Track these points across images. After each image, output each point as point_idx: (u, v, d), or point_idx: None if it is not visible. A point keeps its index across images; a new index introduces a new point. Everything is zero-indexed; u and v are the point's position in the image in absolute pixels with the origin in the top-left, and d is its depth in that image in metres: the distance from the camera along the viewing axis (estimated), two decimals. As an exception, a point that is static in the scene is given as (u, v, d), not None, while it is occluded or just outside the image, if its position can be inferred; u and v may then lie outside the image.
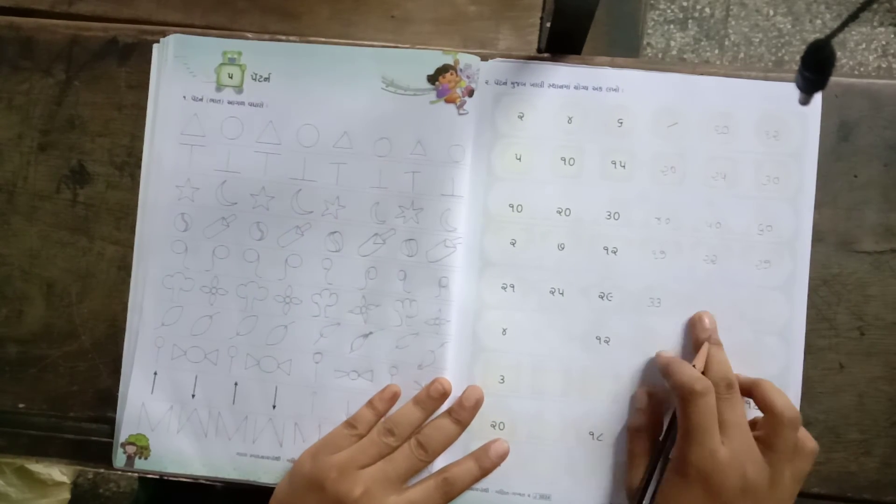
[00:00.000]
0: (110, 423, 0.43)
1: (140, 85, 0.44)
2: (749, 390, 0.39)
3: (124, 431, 0.42)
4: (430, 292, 0.42)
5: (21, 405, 0.44)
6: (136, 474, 0.43)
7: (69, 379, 0.44)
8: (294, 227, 0.43)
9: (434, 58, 0.42)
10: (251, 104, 0.43)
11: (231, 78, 0.43)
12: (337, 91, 0.43)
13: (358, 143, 0.43)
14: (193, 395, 0.43)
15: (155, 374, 0.43)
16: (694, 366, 0.38)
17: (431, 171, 0.42)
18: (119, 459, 0.42)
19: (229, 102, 0.43)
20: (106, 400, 0.43)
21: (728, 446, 0.35)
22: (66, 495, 1.01)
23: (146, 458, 0.42)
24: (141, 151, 0.44)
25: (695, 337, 0.40)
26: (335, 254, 0.42)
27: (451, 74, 0.42)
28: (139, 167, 0.44)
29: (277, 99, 0.43)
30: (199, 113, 0.43)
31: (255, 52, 0.43)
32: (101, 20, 0.48)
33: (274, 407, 0.42)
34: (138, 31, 0.44)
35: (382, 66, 0.43)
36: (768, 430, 0.37)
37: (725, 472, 0.35)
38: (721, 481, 0.35)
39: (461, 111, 0.42)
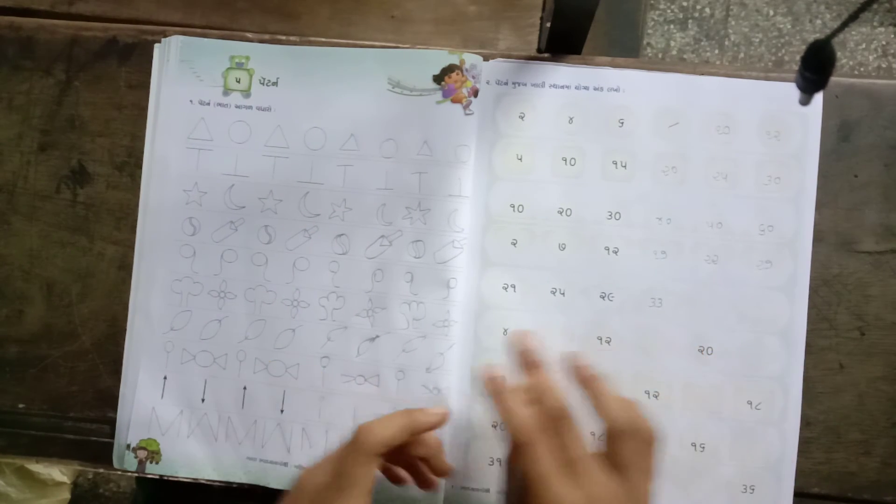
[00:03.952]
0: (110, 423, 0.43)
1: (140, 85, 0.44)
2: (582, 389, 0.35)
3: (134, 435, 0.42)
4: (437, 294, 0.41)
5: (21, 405, 0.44)
6: (136, 475, 0.43)
7: (69, 379, 0.44)
8: (302, 230, 0.42)
9: (439, 58, 0.42)
10: (259, 108, 0.43)
11: (239, 82, 0.43)
12: (344, 93, 0.43)
13: (364, 145, 0.42)
14: (203, 400, 0.43)
15: (165, 378, 0.43)
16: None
17: (438, 172, 0.42)
18: (130, 463, 0.42)
19: (237, 107, 0.43)
20: (106, 400, 0.43)
21: (578, 488, 0.31)
22: (66, 495, 1.01)
23: (157, 463, 0.42)
24: (141, 152, 0.44)
25: (519, 359, 0.37)
26: (342, 256, 0.42)
27: (458, 74, 0.42)
28: (139, 167, 0.44)
29: (285, 103, 0.43)
30: (207, 117, 0.43)
31: (263, 56, 0.43)
32: (101, 20, 0.48)
33: (282, 412, 0.42)
34: (138, 31, 0.44)
35: (388, 67, 0.43)
36: (608, 446, 0.33)
37: None
38: None
39: (467, 111, 0.42)
